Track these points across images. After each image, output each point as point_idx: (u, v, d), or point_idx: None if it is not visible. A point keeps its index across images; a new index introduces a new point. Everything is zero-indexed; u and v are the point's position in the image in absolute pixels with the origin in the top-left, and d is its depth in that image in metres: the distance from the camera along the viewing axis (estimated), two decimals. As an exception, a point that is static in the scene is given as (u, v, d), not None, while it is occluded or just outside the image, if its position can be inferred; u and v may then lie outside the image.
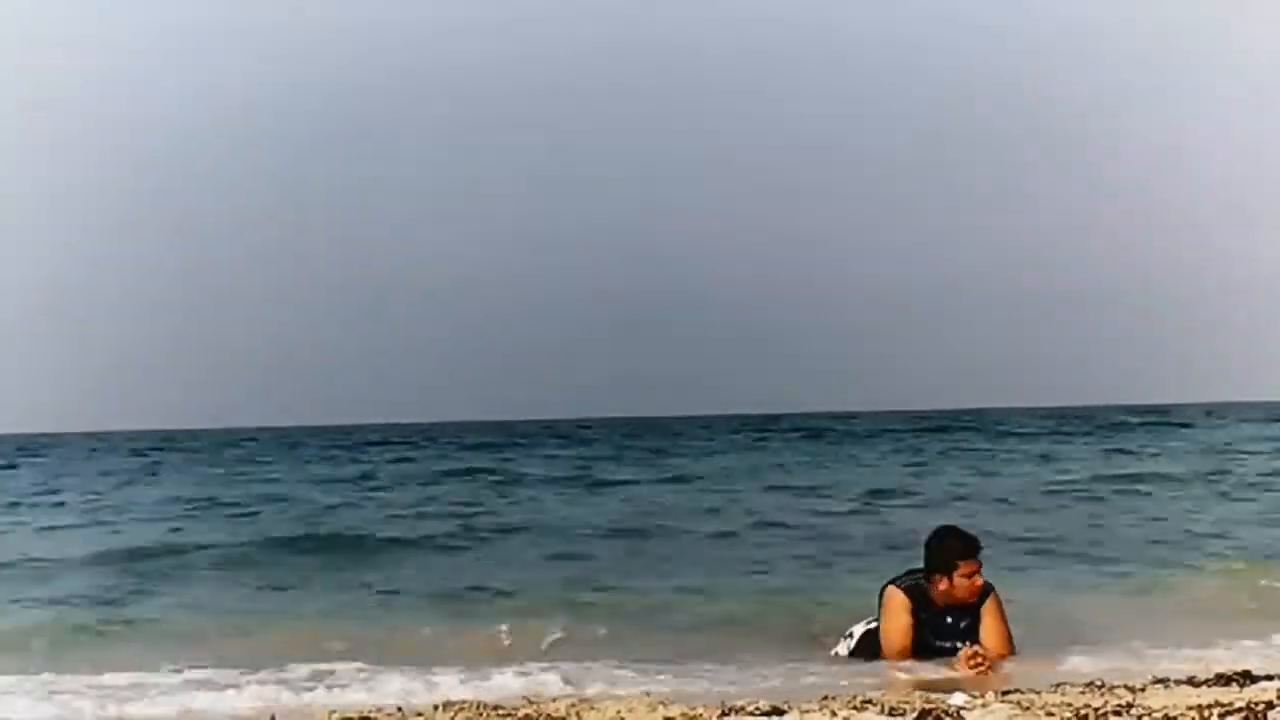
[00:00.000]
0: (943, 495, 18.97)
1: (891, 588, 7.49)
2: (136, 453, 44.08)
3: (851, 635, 7.81)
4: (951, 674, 7.06)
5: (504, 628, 8.97)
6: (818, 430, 50.67)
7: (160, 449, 47.75)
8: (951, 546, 7.36)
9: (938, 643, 7.36)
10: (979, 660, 7.12)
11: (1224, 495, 17.94)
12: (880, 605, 7.55)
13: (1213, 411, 61.19)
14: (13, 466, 36.06)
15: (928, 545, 7.47)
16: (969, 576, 7.30)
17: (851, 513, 17.04)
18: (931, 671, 7.15)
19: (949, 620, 7.36)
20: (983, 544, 7.42)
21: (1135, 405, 77.74)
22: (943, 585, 7.33)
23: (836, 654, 7.82)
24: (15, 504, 21.03)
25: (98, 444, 54.59)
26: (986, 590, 7.41)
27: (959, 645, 7.29)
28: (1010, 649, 7.40)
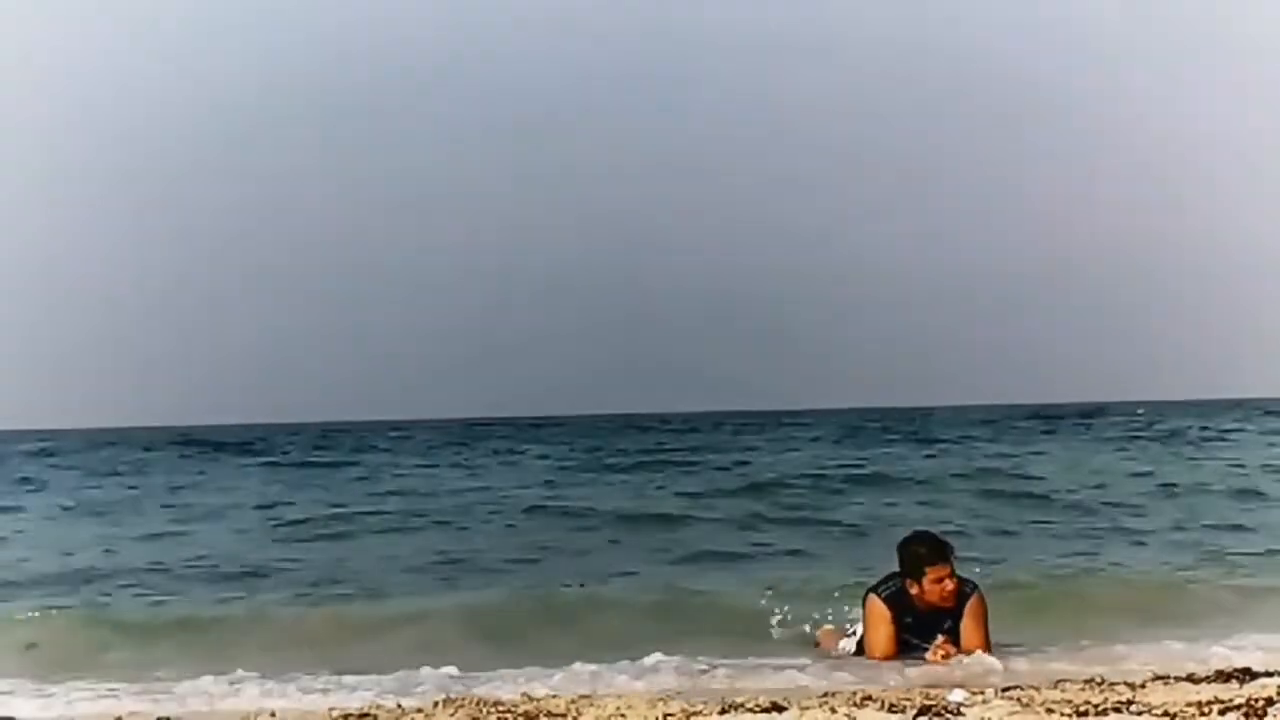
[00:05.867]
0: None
1: (872, 597, 7.53)
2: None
3: (856, 632, 7.83)
4: (933, 669, 7.13)
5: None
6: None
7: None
8: (918, 552, 7.39)
9: (923, 644, 7.37)
10: (946, 655, 7.21)
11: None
12: (863, 613, 7.60)
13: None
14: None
15: (899, 550, 7.50)
16: (938, 581, 7.33)
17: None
18: (926, 669, 7.17)
19: (933, 622, 7.39)
20: (953, 548, 7.43)
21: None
22: (914, 590, 7.37)
23: (842, 649, 7.84)
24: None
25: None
26: (966, 592, 7.42)
27: None
28: (987, 648, 7.41)
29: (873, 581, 7.65)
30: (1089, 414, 54.90)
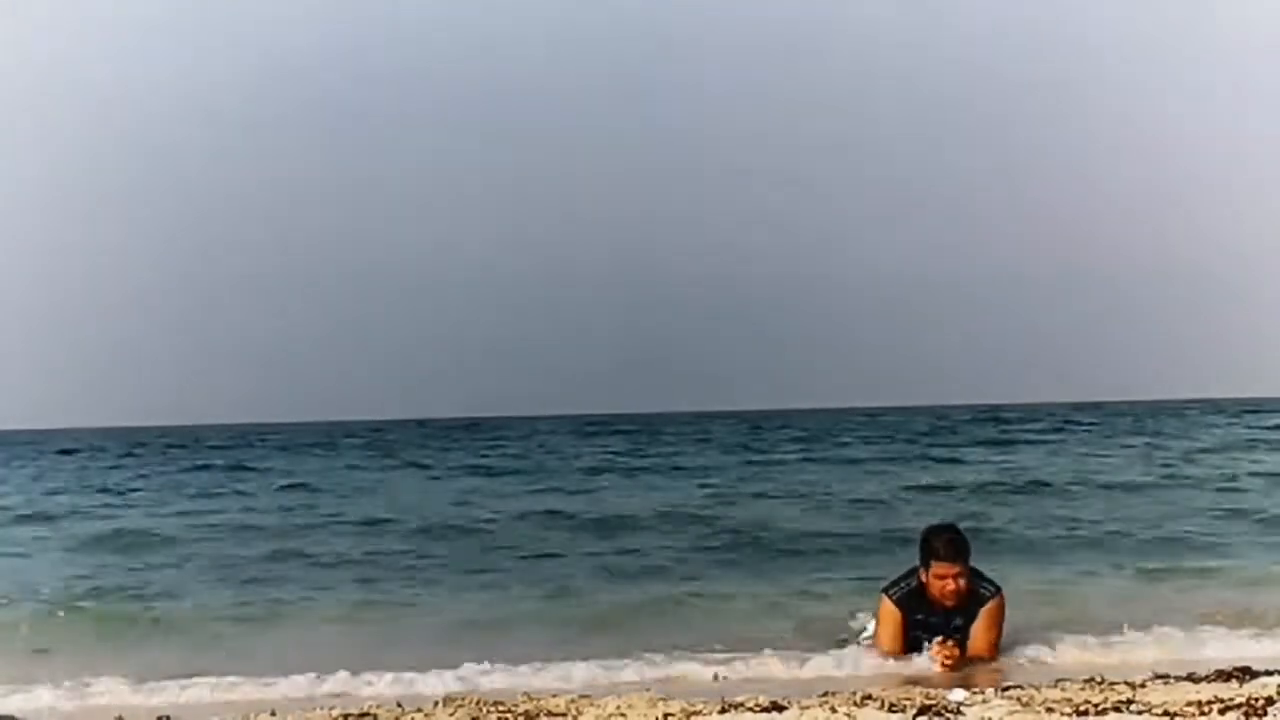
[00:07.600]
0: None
1: (883, 597, 7.50)
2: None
3: (867, 629, 7.87)
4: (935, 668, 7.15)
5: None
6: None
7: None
8: (933, 545, 7.34)
9: (933, 641, 7.35)
10: (947, 654, 7.20)
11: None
12: (876, 610, 7.62)
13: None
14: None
15: (921, 536, 7.48)
16: (941, 578, 7.27)
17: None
18: (928, 667, 7.19)
19: (947, 621, 7.36)
20: (969, 550, 7.34)
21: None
22: (924, 578, 7.35)
23: (862, 633, 7.88)
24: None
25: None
26: (986, 595, 7.37)
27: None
28: (993, 654, 7.41)
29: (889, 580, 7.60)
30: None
